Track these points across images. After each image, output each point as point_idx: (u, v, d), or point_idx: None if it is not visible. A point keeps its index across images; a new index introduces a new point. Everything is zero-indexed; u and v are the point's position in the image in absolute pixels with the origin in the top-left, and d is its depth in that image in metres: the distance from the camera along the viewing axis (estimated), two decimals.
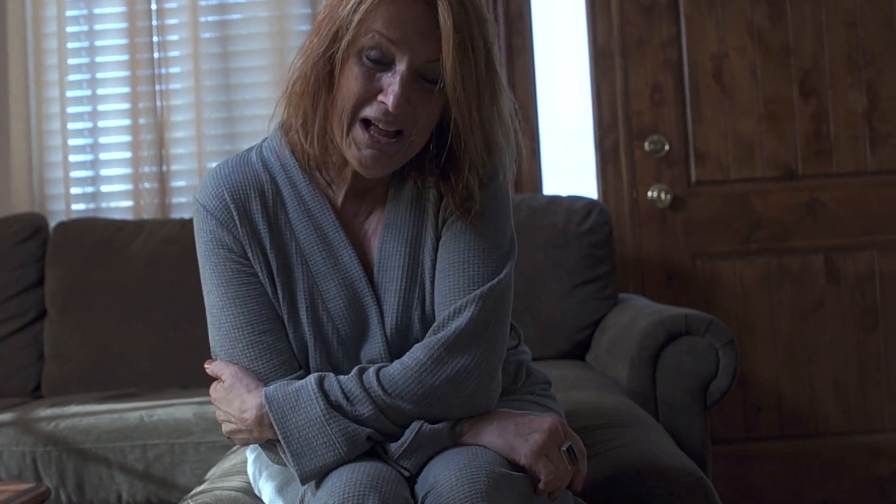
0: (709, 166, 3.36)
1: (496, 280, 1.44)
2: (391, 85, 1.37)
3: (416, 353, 1.39)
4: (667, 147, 3.36)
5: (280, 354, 1.46)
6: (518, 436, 1.37)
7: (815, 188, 3.35)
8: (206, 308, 1.51)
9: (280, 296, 1.47)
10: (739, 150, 3.36)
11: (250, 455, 1.64)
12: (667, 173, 3.36)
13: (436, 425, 1.37)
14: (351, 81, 1.38)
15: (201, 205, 1.49)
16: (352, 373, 1.39)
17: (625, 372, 2.46)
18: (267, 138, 1.54)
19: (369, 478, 1.32)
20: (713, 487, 1.63)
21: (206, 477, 1.75)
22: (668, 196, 3.34)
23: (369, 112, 1.38)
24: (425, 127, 1.42)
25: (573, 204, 3.08)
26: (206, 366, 1.49)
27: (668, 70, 3.37)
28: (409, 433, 1.37)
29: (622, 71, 3.38)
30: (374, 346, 1.48)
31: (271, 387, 1.40)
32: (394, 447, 1.37)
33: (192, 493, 1.61)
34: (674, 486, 1.58)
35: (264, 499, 1.54)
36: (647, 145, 3.36)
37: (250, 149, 1.53)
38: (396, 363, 1.39)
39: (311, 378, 1.39)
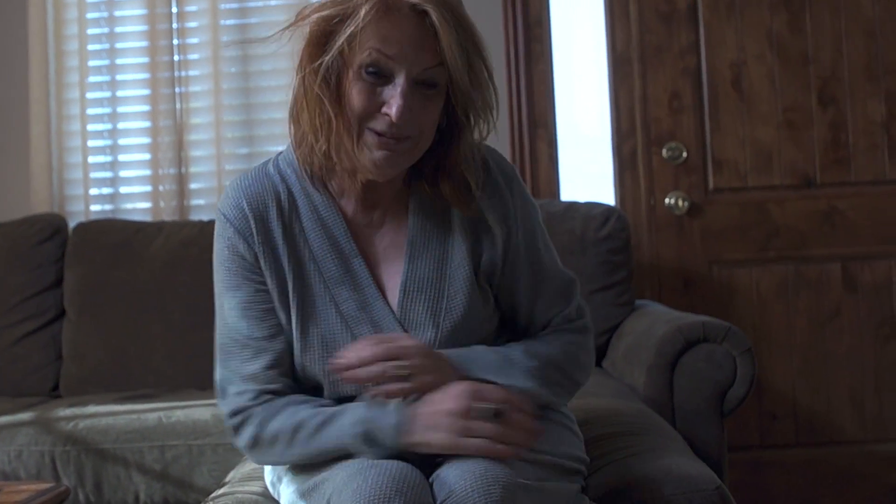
0: (726, 174, 3.36)
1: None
2: (393, 97, 1.42)
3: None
4: (685, 154, 3.36)
5: (271, 358, 1.53)
6: (428, 429, 1.40)
7: (832, 197, 3.35)
8: (216, 309, 1.59)
9: (293, 301, 1.54)
10: (757, 157, 3.35)
11: None
12: (684, 180, 3.36)
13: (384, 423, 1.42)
14: (354, 97, 1.44)
15: (222, 213, 1.57)
16: None
17: (642, 379, 2.46)
18: (283, 150, 1.61)
19: (395, 481, 1.34)
20: (731, 496, 1.63)
21: (226, 480, 1.76)
22: (686, 203, 3.34)
23: (375, 125, 1.44)
24: (430, 128, 1.48)
25: (591, 210, 3.08)
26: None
27: (687, 77, 3.37)
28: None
29: (640, 78, 3.38)
30: None
31: None
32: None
33: (213, 495, 1.62)
34: (692, 494, 1.58)
35: (283, 503, 1.55)
36: (664, 152, 3.36)
37: (268, 160, 1.61)
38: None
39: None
